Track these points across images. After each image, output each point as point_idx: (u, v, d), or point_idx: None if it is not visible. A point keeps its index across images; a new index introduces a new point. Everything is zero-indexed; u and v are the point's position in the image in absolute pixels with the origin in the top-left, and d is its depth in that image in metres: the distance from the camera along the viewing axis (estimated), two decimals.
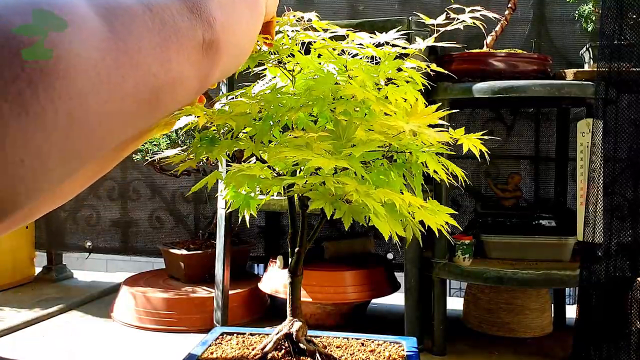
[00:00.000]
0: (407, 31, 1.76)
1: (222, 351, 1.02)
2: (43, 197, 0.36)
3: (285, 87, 0.92)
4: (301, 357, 0.97)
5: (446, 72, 1.05)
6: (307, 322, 1.04)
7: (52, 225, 2.83)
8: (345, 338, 1.09)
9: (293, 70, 0.92)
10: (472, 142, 0.86)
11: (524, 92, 1.71)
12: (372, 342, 1.08)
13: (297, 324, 0.98)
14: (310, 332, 1.06)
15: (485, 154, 0.86)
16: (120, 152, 0.58)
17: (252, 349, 1.01)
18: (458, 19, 0.92)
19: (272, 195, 1.03)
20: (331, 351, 1.03)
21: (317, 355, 0.96)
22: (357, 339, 1.09)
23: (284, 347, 0.99)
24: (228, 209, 1.02)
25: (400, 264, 2.10)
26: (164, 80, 0.41)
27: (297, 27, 0.89)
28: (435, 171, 0.87)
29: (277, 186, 0.83)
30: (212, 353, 1.02)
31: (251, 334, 1.11)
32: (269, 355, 0.98)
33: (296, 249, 0.99)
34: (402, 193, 0.84)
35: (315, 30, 0.89)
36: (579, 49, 1.94)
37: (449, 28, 0.94)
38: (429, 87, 0.94)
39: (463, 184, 0.88)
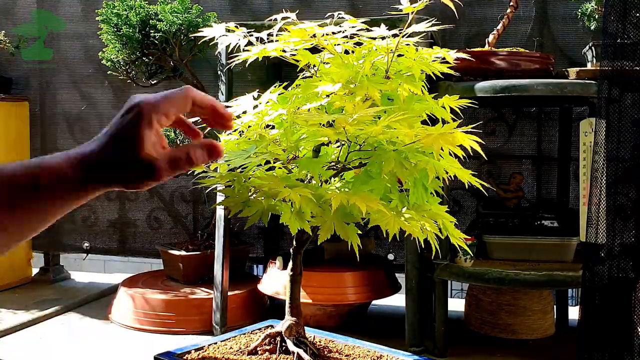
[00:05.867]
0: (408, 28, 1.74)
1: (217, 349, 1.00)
2: None
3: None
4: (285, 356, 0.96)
5: (447, 69, 1.03)
6: (307, 323, 1.02)
7: (50, 226, 2.80)
8: (358, 346, 1.05)
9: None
10: (469, 141, 0.84)
11: (526, 91, 1.69)
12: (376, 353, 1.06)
13: (287, 324, 0.97)
14: (319, 334, 1.04)
15: (481, 152, 0.83)
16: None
17: (246, 346, 1.00)
18: None
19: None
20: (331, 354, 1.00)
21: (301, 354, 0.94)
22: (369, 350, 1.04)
23: (272, 344, 0.98)
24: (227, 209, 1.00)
25: (401, 265, 2.08)
26: None
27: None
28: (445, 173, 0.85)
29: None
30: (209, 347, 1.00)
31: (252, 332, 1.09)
32: (259, 350, 0.97)
33: (292, 249, 0.98)
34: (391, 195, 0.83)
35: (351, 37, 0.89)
36: (582, 47, 1.92)
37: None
38: (440, 76, 0.93)
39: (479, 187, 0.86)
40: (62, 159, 0.63)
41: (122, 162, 0.63)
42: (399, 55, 0.88)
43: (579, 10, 1.93)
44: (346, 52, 0.90)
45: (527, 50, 1.87)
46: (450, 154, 0.83)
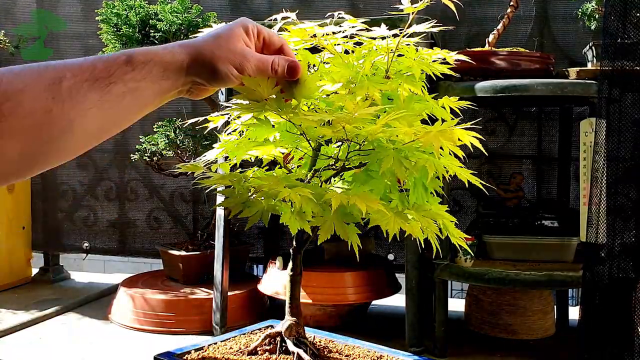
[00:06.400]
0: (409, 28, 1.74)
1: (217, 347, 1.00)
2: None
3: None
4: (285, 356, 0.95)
5: (448, 69, 1.03)
6: (307, 323, 1.01)
7: (49, 226, 2.80)
8: (358, 347, 1.05)
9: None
10: (469, 138, 0.84)
11: (527, 91, 1.69)
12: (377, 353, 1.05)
13: (287, 324, 0.97)
14: (319, 334, 1.04)
15: (482, 149, 0.83)
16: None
17: (246, 346, 1.00)
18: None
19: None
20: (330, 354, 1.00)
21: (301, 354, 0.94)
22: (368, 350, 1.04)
23: (272, 344, 0.98)
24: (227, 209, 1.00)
25: (401, 265, 2.07)
26: None
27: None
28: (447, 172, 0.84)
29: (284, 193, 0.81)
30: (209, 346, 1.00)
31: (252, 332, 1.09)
32: (259, 350, 0.97)
33: (292, 249, 0.98)
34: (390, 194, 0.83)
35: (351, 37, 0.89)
36: (582, 47, 1.92)
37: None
38: (440, 76, 0.93)
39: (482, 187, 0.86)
40: (160, 46, 0.69)
41: (217, 49, 0.71)
42: (399, 55, 0.88)
43: (579, 10, 1.93)
44: (346, 52, 0.90)
45: (528, 50, 1.87)
46: (450, 154, 0.83)
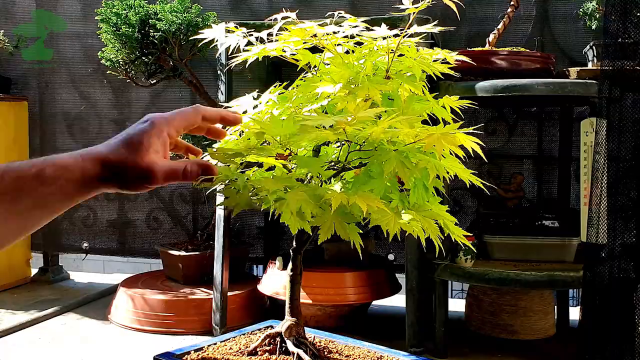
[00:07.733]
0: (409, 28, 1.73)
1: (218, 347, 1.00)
2: None
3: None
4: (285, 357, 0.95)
5: (448, 69, 1.02)
6: (307, 323, 1.01)
7: (48, 226, 2.80)
8: (358, 347, 1.04)
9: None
10: (470, 142, 0.83)
11: (527, 91, 1.68)
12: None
13: (286, 324, 0.96)
14: (319, 334, 1.04)
15: (480, 153, 0.83)
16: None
17: (246, 347, 0.99)
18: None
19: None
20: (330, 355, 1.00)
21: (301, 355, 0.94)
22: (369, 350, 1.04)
23: (272, 344, 0.98)
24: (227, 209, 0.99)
25: (402, 265, 2.07)
26: None
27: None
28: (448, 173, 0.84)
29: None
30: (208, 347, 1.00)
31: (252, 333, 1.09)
32: (258, 350, 0.96)
33: (291, 249, 0.97)
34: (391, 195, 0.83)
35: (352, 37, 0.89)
36: (583, 47, 1.92)
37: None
38: (441, 76, 0.92)
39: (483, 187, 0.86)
40: (70, 155, 0.67)
41: (124, 162, 0.68)
42: (400, 55, 0.88)
43: (580, 10, 1.92)
44: (347, 52, 0.89)
45: (528, 50, 1.86)
46: (450, 153, 0.83)
